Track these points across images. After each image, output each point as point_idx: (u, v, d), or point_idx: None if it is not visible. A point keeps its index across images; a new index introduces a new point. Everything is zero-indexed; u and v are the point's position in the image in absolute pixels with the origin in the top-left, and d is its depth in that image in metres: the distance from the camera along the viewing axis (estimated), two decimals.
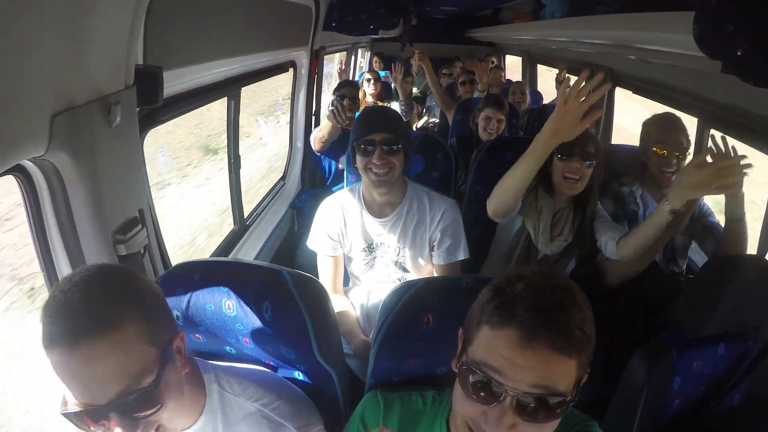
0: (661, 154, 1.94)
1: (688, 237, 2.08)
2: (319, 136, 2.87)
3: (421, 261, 1.87)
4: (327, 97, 3.70)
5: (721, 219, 1.93)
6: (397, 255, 1.87)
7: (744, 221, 1.74)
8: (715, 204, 2.06)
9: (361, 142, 1.72)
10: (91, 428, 0.80)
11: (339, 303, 1.81)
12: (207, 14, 1.66)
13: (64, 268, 1.13)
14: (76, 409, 0.78)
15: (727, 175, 1.44)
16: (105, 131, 1.07)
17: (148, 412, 0.82)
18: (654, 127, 2.00)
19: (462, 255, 1.84)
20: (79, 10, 0.89)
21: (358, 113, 2.33)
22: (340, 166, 3.04)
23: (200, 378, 1.02)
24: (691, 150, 2.01)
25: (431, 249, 1.86)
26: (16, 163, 0.94)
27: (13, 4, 0.74)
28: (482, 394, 0.78)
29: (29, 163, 1.00)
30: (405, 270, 1.89)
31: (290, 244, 3.10)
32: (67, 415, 0.79)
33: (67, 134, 0.96)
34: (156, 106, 1.29)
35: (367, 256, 1.89)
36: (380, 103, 4.25)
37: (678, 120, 2.01)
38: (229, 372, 1.09)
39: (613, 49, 2.19)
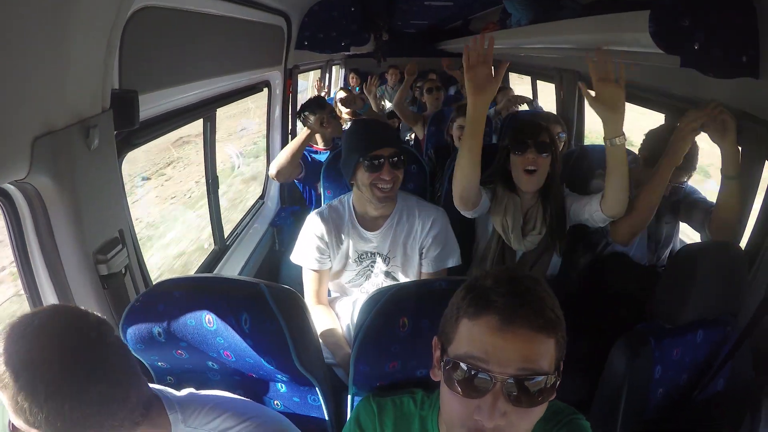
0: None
1: (672, 226, 2.10)
2: (274, 171, 2.64)
3: (411, 270, 1.89)
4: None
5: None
6: (388, 265, 1.89)
7: (739, 180, 1.64)
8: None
9: (369, 157, 1.69)
10: None
11: (324, 315, 1.82)
12: (180, 38, 1.69)
13: (47, 289, 1.14)
14: None
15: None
16: (84, 154, 1.10)
17: None
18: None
19: (452, 262, 1.86)
20: (58, 37, 0.93)
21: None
22: (320, 191, 3.03)
23: (166, 420, 1.00)
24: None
25: (421, 257, 1.88)
26: None
27: None
28: (471, 387, 0.79)
29: (11, 186, 1.02)
30: (395, 280, 1.90)
31: (272, 262, 3.07)
32: None
33: (48, 157, 0.98)
34: (133, 129, 1.32)
35: (358, 266, 1.90)
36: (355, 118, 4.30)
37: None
38: (196, 402, 1.07)
39: (578, 52, 2.24)
